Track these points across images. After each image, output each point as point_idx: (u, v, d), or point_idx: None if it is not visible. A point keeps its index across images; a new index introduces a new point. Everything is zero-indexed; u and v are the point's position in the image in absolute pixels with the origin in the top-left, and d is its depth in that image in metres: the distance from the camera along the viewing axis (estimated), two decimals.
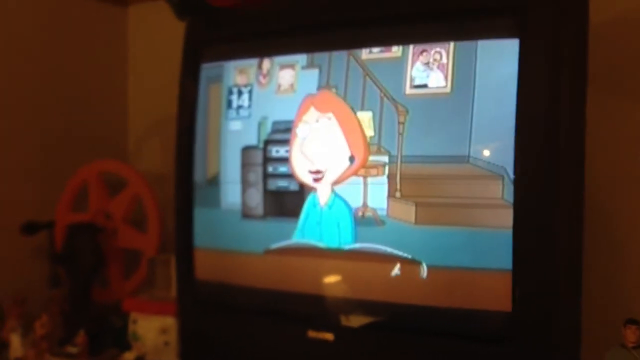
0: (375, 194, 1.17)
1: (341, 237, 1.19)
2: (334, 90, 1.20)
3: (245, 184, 1.31)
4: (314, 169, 1.22)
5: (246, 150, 1.31)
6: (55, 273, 1.66)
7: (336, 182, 1.20)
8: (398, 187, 1.15)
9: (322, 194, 1.21)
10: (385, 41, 1.16)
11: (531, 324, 1.06)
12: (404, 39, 1.15)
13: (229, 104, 1.34)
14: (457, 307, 1.12)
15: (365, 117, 1.18)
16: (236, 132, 1.33)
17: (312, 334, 1.22)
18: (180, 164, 1.41)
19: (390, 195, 1.15)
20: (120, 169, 1.79)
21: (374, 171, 1.17)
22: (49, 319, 1.50)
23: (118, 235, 1.72)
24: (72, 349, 1.48)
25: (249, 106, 1.32)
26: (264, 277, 1.30)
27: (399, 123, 1.14)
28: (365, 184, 1.18)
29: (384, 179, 1.16)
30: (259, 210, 1.29)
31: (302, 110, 1.24)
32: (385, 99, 1.16)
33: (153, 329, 1.46)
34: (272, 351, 1.27)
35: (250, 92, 1.32)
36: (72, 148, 1.85)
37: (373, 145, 1.18)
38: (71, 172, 1.79)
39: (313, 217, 1.22)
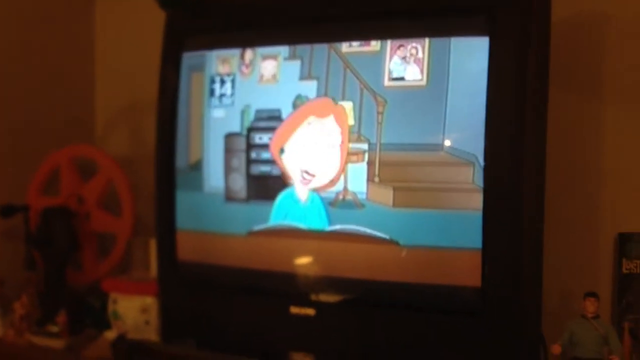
0: (355, 179, 1.25)
1: (322, 221, 1.26)
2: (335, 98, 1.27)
3: (228, 168, 1.37)
4: (306, 169, 1.29)
5: (230, 136, 1.37)
6: (31, 256, 1.68)
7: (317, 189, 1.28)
8: (377, 172, 1.23)
9: (301, 192, 1.28)
10: (365, 36, 1.24)
11: (499, 297, 1.15)
12: (382, 34, 1.22)
13: (212, 92, 1.39)
14: (432, 283, 1.21)
15: (346, 107, 1.25)
16: (219, 119, 1.38)
17: (294, 309, 1.29)
18: (162, 149, 1.46)
19: (370, 179, 1.23)
20: (93, 153, 1.82)
21: (354, 157, 1.24)
22: (28, 300, 1.53)
23: (91, 219, 1.75)
24: (53, 328, 1.52)
25: (232, 94, 1.37)
26: (246, 257, 1.36)
27: (377, 113, 1.22)
28: (345, 169, 1.25)
29: (363, 165, 1.24)
30: (242, 193, 1.36)
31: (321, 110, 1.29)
32: (364, 90, 1.23)
33: (133, 308, 1.51)
34: (255, 327, 1.34)
35: (233, 81, 1.37)
36: (40, 132, 1.86)
37: (354, 134, 1.25)
38: (40, 156, 1.80)
39: (291, 210, 1.29)
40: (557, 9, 1.24)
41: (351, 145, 1.25)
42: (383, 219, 1.22)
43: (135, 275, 1.61)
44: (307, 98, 1.29)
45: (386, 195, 1.21)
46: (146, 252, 1.62)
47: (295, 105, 1.30)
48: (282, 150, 1.30)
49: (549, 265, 1.25)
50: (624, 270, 1.33)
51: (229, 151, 1.37)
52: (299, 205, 1.28)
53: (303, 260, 1.31)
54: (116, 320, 1.52)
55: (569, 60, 1.36)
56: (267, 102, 1.33)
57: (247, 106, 1.35)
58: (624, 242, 1.34)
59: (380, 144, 1.22)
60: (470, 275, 1.17)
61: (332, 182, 1.24)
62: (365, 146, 1.24)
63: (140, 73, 1.87)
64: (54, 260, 1.67)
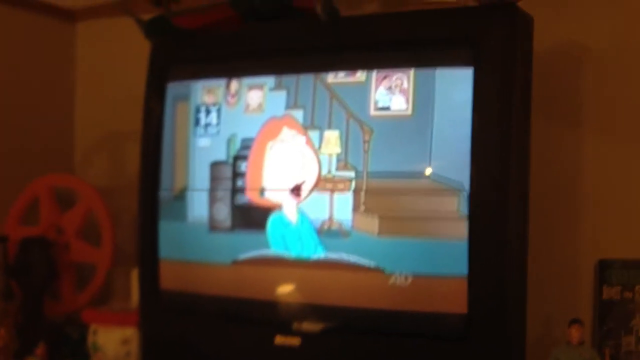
0: (341, 208, 1.26)
1: (308, 249, 1.27)
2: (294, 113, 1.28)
3: (213, 197, 1.37)
4: (294, 185, 1.29)
5: (215, 165, 1.38)
6: (8, 286, 1.66)
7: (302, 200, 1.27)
8: (362, 200, 1.24)
9: (290, 212, 1.28)
10: (350, 66, 1.26)
11: (485, 324, 1.16)
12: (368, 65, 1.25)
13: (197, 121, 1.39)
14: (418, 311, 1.21)
15: (332, 136, 1.26)
16: (205, 148, 1.39)
17: (279, 339, 1.29)
18: (145, 178, 1.45)
19: (355, 209, 1.24)
20: (73, 182, 1.81)
21: (340, 186, 1.25)
22: (5, 331, 1.51)
23: (70, 250, 1.74)
24: None
25: (218, 124, 1.37)
26: (231, 286, 1.36)
27: (364, 141, 1.23)
28: (332, 198, 1.26)
29: (349, 194, 1.25)
30: (227, 222, 1.35)
31: (271, 129, 1.30)
32: (351, 119, 1.25)
33: (114, 340, 1.49)
34: (240, 357, 1.33)
35: (218, 110, 1.38)
36: (18, 161, 1.84)
37: (340, 162, 1.26)
38: (19, 185, 1.79)
39: (283, 233, 1.29)
40: (536, 40, 1.26)
41: (338, 173, 1.26)
42: (369, 247, 1.22)
43: (115, 305, 1.60)
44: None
45: (371, 223, 1.22)
46: (127, 282, 1.61)
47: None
48: (262, 190, 1.31)
49: (530, 291, 1.26)
50: (605, 297, 1.35)
51: (214, 179, 1.37)
52: (290, 227, 1.28)
53: (288, 289, 1.31)
54: (96, 351, 1.50)
55: (549, 90, 1.38)
56: (253, 131, 1.34)
57: (233, 135, 1.36)
58: (604, 269, 1.36)
59: (367, 172, 1.23)
60: (455, 302, 1.17)
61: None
62: (352, 174, 1.25)
63: (120, 102, 1.88)
64: (31, 290, 1.65)
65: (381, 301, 1.23)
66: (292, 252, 1.29)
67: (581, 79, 1.44)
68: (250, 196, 1.33)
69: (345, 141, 1.25)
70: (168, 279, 1.43)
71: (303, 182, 1.27)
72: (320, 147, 1.28)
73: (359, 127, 1.23)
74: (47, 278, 1.67)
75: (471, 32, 1.18)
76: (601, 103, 1.43)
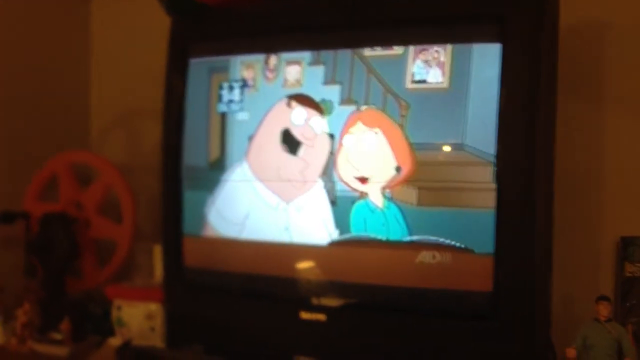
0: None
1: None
2: (379, 108, 1.27)
3: None
4: (359, 175, 1.28)
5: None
6: (30, 263, 1.67)
7: (385, 188, 1.27)
8: None
9: (376, 199, 1.28)
10: (387, 41, 1.26)
11: (511, 302, 1.17)
12: (405, 40, 1.25)
13: (234, 95, 1.39)
14: (444, 288, 1.22)
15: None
16: (244, 122, 1.39)
17: (304, 315, 1.29)
18: (169, 155, 1.45)
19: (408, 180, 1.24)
20: (92, 159, 1.81)
21: None
22: (29, 307, 1.52)
23: (91, 226, 1.74)
24: (57, 336, 1.51)
25: (254, 98, 1.38)
26: (256, 263, 1.37)
27: (401, 116, 1.24)
28: None
29: None
30: None
31: (349, 123, 1.29)
32: (388, 94, 1.25)
33: (138, 315, 1.50)
34: (266, 332, 1.34)
35: (254, 85, 1.38)
36: (36, 139, 1.85)
37: None
38: (37, 163, 1.79)
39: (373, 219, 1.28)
40: (561, 16, 1.25)
41: None
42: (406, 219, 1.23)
43: (138, 281, 1.61)
44: (330, 102, 1.30)
45: (410, 194, 1.23)
46: (149, 258, 1.61)
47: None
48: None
49: (553, 269, 1.26)
50: (627, 274, 1.35)
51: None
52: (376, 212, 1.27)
53: (314, 266, 1.31)
54: (120, 327, 1.51)
55: (572, 67, 1.38)
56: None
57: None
58: (626, 246, 1.36)
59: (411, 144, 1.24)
60: (482, 280, 1.18)
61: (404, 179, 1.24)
62: None
63: (137, 78, 1.88)
64: (53, 267, 1.66)
65: (408, 279, 1.23)
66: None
67: (603, 56, 1.45)
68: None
69: None
70: (193, 255, 1.42)
71: (370, 176, 1.27)
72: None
73: (396, 101, 1.24)
74: (69, 254, 1.68)
75: (499, 9, 1.18)
76: (623, 80, 1.43)
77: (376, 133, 1.26)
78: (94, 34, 2.02)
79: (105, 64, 2.00)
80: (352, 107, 1.28)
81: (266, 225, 1.36)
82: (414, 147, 1.23)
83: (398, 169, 1.25)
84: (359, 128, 1.27)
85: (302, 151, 1.33)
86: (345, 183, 1.29)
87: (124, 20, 1.94)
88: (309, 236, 1.32)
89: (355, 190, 1.27)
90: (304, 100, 1.32)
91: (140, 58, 1.87)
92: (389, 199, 1.24)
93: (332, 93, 1.30)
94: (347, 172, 1.29)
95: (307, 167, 1.32)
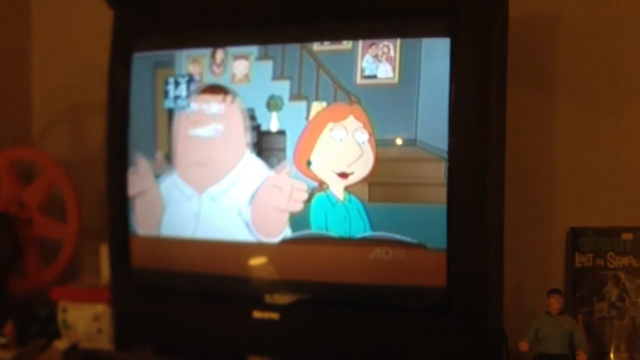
0: None
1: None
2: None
3: None
4: (341, 171, 1.25)
5: None
6: None
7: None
8: None
9: (337, 191, 1.25)
10: (336, 36, 1.24)
11: (464, 296, 1.17)
12: (354, 34, 1.23)
13: (180, 90, 1.35)
14: (398, 285, 1.21)
15: (320, 107, 1.25)
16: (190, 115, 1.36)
17: (257, 314, 1.27)
18: (114, 153, 1.41)
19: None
20: (34, 156, 1.76)
21: None
22: None
23: (34, 225, 1.69)
24: (1, 340, 1.46)
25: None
26: (204, 262, 1.34)
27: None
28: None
29: None
30: None
31: (338, 112, 1.25)
32: (338, 89, 1.23)
33: (85, 317, 1.46)
34: (217, 333, 1.32)
35: (201, 80, 1.35)
36: None
37: None
38: None
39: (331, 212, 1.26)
40: (510, 9, 1.25)
41: None
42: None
43: (85, 282, 1.56)
44: (280, 98, 1.27)
45: (362, 190, 1.21)
46: (95, 257, 1.57)
47: (268, 105, 1.28)
48: (309, 162, 1.26)
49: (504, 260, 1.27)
50: (577, 264, 1.37)
51: None
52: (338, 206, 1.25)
53: (266, 264, 1.29)
54: (66, 329, 1.47)
55: (521, 59, 1.38)
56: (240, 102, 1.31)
57: None
58: (576, 237, 1.38)
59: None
60: (435, 275, 1.17)
61: (368, 177, 1.22)
62: None
63: (81, 72, 1.82)
64: None
65: (362, 276, 1.22)
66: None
67: (553, 48, 1.45)
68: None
69: None
70: (140, 254, 1.39)
71: (352, 173, 1.24)
72: (307, 118, 1.26)
73: (346, 97, 1.22)
74: (11, 255, 1.63)
75: (448, 2, 1.17)
76: (573, 72, 1.43)
77: (362, 133, 1.24)
78: (34, 26, 1.95)
79: (47, 57, 1.94)
80: (303, 103, 1.26)
81: (217, 222, 1.33)
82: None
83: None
84: (351, 124, 1.23)
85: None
86: (309, 175, 1.26)
87: (67, 12, 1.89)
88: (264, 233, 1.29)
89: (315, 180, 1.25)
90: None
91: (84, 51, 1.81)
92: (349, 192, 1.22)
93: (281, 89, 1.27)
94: (324, 167, 1.25)
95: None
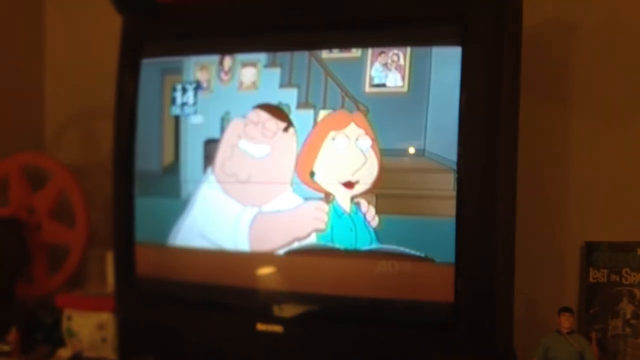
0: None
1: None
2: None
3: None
4: (346, 180, 1.22)
5: (209, 143, 1.33)
6: None
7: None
8: None
9: (344, 203, 1.23)
10: (345, 44, 1.22)
11: (472, 311, 1.14)
12: (363, 42, 1.21)
13: (188, 97, 1.34)
14: (404, 299, 1.18)
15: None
16: (197, 125, 1.34)
17: (261, 326, 1.25)
18: (120, 160, 1.40)
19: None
20: (44, 161, 1.76)
21: None
22: None
23: (42, 230, 1.69)
24: (4, 347, 1.45)
25: (209, 101, 1.33)
26: (212, 273, 1.32)
27: None
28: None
29: None
30: None
31: (338, 120, 1.23)
32: (346, 97, 1.20)
33: (89, 325, 1.45)
34: (221, 344, 1.30)
35: (210, 87, 1.33)
36: None
37: None
38: None
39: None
40: (524, 16, 1.22)
41: None
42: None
43: (90, 289, 1.56)
44: (287, 106, 1.25)
45: (369, 202, 1.19)
46: (102, 265, 1.56)
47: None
48: (312, 173, 1.24)
49: (515, 274, 1.23)
50: (591, 280, 1.33)
51: (208, 157, 1.33)
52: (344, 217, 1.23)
53: (271, 276, 1.27)
54: (71, 337, 1.46)
55: (536, 68, 1.35)
56: (247, 109, 1.30)
57: (227, 113, 1.31)
58: (590, 251, 1.34)
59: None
60: (443, 290, 1.14)
61: (375, 185, 1.19)
62: None
63: (92, 78, 1.82)
64: (2, 273, 1.59)
65: (367, 289, 1.20)
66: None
67: (569, 57, 1.42)
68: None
69: None
70: (144, 263, 1.37)
71: (357, 182, 1.21)
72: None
73: (354, 105, 1.19)
74: (19, 260, 1.62)
75: (459, 10, 1.15)
76: (589, 82, 1.40)
77: (365, 139, 1.21)
78: (48, 33, 1.96)
79: (60, 63, 1.94)
80: (310, 111, 1.24)
81: (224, 233, 1.31)
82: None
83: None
84: (353, 131, 1.21)
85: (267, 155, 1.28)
86: (314, 187, 1.23)
87: (80, 16, 1.89)
88: (269, 244, 1.27)
89: (320, 192, 1.22)
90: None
91: (97, 57, 1.80)
92: (356, 204, 1.20)
93: (289, 96, 1.26)
94: (329, 177, 1.23)
95: (275, 171, 1.28)
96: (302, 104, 1.24)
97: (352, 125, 1.21)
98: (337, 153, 1.22)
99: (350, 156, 1.21)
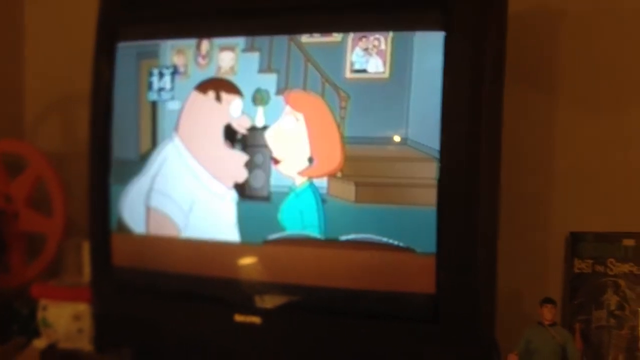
0: None
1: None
2: (311, 91, 1.19)
3: None
4: (273, 155, 1.22)
5: None
6: None
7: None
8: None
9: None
10: (325, 28, 1.18)
11: (454, 303, 1.11)
12: (344, 26, 1.18)
13: (165, 82, 1.31)
14: (384, 290, 1.15)
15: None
16: (175, 111, 1.31)
17: (239, 317, 1.23)
18: (95, 147, 1.37)
19: (331, 175, 1.17)
20: (21, 148, 1.72)
21: None
22: None
23: (20, 219, 1.65)
24: None
25: (186, 86, 1.30)
26: (188, 262, 1.29)
27: (340, 108, 1.17)
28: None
29: None
30: None
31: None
32: (326, 83, 1.17)
33: (65, 316, 1.43)
34: (198, 336, 1.27)
35: (186, 72, 1.30)
36: None
37: None
38: None
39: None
40: (510, 3, 1.20)
41: None
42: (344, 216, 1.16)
43: (67, 279, 1.53)
44: (266, 92, 1.23)
45: (348, 190, 1.16)
46: (79, 255, 1.53)
47: (254, 99, 1.24)
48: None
49: (499, 265, 1.21)
50: (576, 270, 1.31)
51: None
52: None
53: (248, 266, 1.24)
54: (46, 328, 1.43)
55: (522, 56, 1.32)
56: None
57: None
58: (576, 242, 1.32)
59: (344, 138, 1.16)
60: (424, 281, 1.12)
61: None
62: None
63: (72, 65, 1.78)
64: None
65: (346, 280, 1.17)
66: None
67: (555, 45, 1.40)
68: None
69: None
70: (121, 253, 1.34)
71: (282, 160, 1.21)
72: None
73: (335, 91, 1.17)
74: None
75: None
76: (575, 70, 1.38)
77: (297, 119, 1.20)
78: (27, 19, 1.92)
79: (40, 49, 1.91)
80: None
81: (209, 220, 1.29)
82: (347, 141, 1.16)
83: (310, 160, 1.19)
84: (285, 109, 1.20)
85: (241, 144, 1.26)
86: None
87: (59, 4, 1.85)
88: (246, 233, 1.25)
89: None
90: (231, 88, 1.24)
91: (76, 43, 1.76)
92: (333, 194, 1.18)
93: (268, 82, 1.23)
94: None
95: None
96: (282, 90, 1.21)
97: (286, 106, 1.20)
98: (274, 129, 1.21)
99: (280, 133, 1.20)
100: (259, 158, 1.24)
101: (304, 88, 1.20)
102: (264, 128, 1.23)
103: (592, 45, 1.37)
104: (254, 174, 1.24)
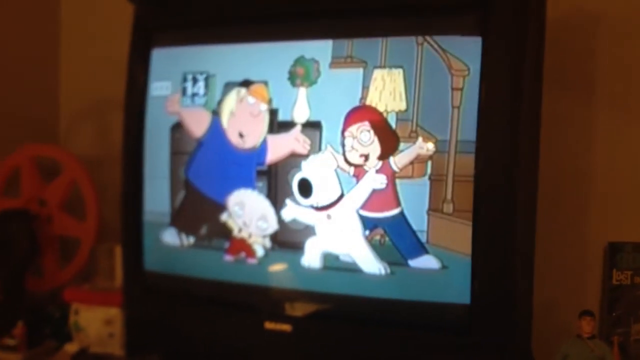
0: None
1: None
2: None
3: None
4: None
5: None
6: None
7: None
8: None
9: None
10: (365, 32, 1.15)
11: (489, 315, 1.09)
12: (378, 32, 1.15)
13: (198, 88, 1.30)
14: (418, 300, 1.13)
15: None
16: None
17: (269, 325, 1.22)
18: (128, 151, 1.37)
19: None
20: (56, 153, 1.73)
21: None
22: None
23: (53, 223, 1.66)
24: (10, 341, 1.43)
25: (205, 94, 1.30)
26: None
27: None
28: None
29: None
30: None
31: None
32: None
33: (97, 320, 1.42)
34: (228, 342, 1.26)
35: (206, 79, 1.29)
36: (1, 132, 1.76)
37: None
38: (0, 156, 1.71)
39: None
40: (548, 8, 1.17)
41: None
42: None
43: (99, 284, 1.53)
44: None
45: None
46: (111, 259, 1.53)
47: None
48: None
49: (535, 275, 1.19)
50: (614, 282, 1.28)
51: None
52: None
53: (280, 273, 1.23)
54: (78, 332, 1.43)
55: (560, 62, 1.30)
56: None
57: None
58: (614, 252, 1.29)
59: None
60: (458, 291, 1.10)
61: None
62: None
63: (107, 70, 1.78)
64: (12, 265, 1.57)
65: (380, 289, 1.15)
66: None
67: (594, 50, 1.37)
68: None
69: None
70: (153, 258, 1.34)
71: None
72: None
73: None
74: (29, 253, 1.59)
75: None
76: (614, 76, 1.36)
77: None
78: (63, 22, 1.94)
79: (75, 55, 1.92)
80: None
81: None
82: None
83: None
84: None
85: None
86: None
87: (96, 7, 1.86)
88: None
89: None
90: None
91: (112, 48, 1.77)
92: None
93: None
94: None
95: None
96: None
97: None
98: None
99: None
100: None
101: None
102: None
103: (631, 49, 1.34)
104: None
